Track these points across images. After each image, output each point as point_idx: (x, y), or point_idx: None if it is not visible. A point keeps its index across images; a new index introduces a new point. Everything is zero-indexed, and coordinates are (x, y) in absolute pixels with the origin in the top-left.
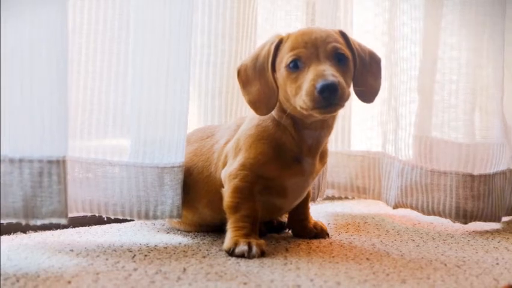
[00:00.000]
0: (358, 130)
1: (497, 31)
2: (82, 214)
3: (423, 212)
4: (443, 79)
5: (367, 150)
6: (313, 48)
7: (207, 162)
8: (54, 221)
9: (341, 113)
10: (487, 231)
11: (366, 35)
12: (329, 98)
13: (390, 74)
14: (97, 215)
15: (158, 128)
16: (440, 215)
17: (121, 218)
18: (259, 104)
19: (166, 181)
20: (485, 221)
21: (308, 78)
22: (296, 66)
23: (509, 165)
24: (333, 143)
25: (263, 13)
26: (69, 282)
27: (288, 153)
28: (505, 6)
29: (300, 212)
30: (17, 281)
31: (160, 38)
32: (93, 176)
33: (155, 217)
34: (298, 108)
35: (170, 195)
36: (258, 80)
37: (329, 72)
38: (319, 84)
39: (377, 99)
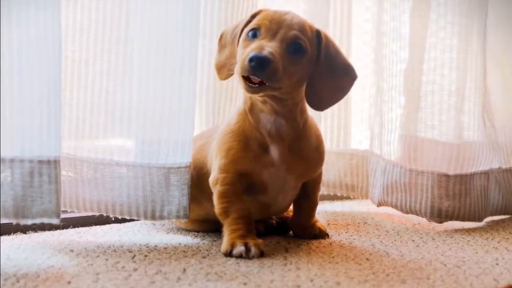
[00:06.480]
0: (357, 131)
1: (481, 33)
2: (86, 214)
3: (402, 210)
4: (427, 79)
5: (356, 148)
6: (275, 26)
7: (205, 159)
8: (45, 220)
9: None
10: (487, 232)
11: (365, 35)
12: (255, 70)
13: (378, 76)
14: (104, 214)
15: (164, 128)
16: (417, 214)
17: (128, 218)
18: (222, 69)
19: (173, 181)
20: (462, 220)
21: (249, 48)
22: (254, 35)
23: (494, 165)
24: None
25: None
26: (69, 282)
27: (253, 142)
28: (487, 7)
29: (303, 219)
30: (17, 281)
31: (165, 37)
32: (101, 176)
33: (161, 217)
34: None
35: (177, 196)
36: (230, 45)
37: (269, 49)
38: (251, 54)
39: (370, 99)
